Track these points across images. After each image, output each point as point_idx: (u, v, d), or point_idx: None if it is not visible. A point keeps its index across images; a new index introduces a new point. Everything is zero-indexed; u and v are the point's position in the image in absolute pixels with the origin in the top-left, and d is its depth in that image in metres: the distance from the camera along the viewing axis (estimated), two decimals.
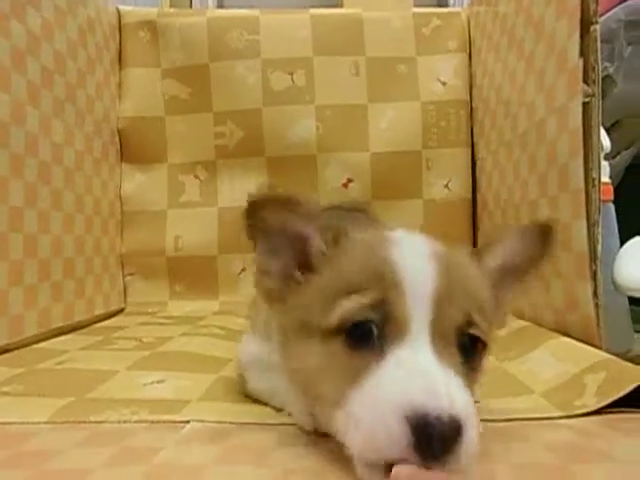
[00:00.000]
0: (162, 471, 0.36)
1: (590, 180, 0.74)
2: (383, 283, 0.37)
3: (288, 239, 0.43)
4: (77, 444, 0.43)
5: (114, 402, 0.56)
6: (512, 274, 0.48)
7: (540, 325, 0.85)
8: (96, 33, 1.13)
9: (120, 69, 1.28)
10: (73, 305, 1.00)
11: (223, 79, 1.27)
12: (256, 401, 0.57)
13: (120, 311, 1.23)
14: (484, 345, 0.41)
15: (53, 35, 0.94)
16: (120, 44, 1.28)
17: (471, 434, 0.33)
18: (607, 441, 0.45)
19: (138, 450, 0.41)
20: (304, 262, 0.43)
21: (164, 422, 0.49)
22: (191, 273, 1.28)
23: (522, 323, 0.88)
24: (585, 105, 0.73)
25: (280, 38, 1.28)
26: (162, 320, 1.13)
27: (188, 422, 0.49)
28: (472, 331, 0.39)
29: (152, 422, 0.50)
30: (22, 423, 0.49)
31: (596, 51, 0.73)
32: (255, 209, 0.41)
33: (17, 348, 0.82)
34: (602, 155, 0.98)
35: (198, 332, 0.98)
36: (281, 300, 0.43)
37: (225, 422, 0.50)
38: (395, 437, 0.32)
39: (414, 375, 0.34)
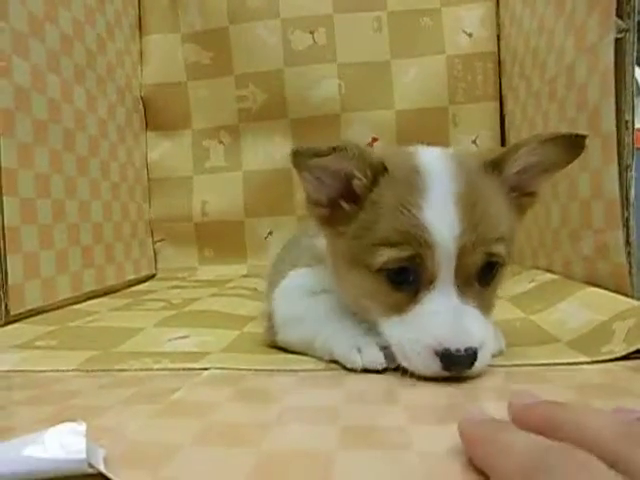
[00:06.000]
0: (175, 407, 0.37)
1: (622, 122, 0.70)
2: (416, 241, 0.44)
3: (332, 175, 0.49)
4: (100, 387, 0.45)
5: (138, 354, 0.57)
6: (536, 172, 0.52)
7: (570, 277, 0.83)
8: None
9: (141, 36, 1.28)
10: (104, 270, 1.03)
11: (243, 41, 1.25)
12: (281, 351, 0.57)
13: (151, 277, 1.26)
14: (502, 264, 0.49)
15: (70, 1, 0.94)
16: (139, 10, 1.28)
17: (484, 353, 0.44)
18: (631, 381, 0.44)
19: (156, 391, 0.42)
20: (350, 194, 0.49)
21: (184, 370, 0.50)
22: (219, 238, 1.30)
23: (551, 276, 0.85)
24: (618, 42, 0.69)
25: None
26: (191, 284, 1.16)
27: (207, 369, 0.50)
28: (491, 260, 0.47)
29: (172, 370, 0.51)
30: (52, 371, 0.52)
31: None
32: (298, 157, 0.47)
33: (52, 310, 0.85)
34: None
35: (225, 293, 0.99)
36: (331, 224, 0.51)
37: (244, 369, 0.50)
38: (429, 365, 0.44)
39: (440, 317, 0.44)
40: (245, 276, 1.22)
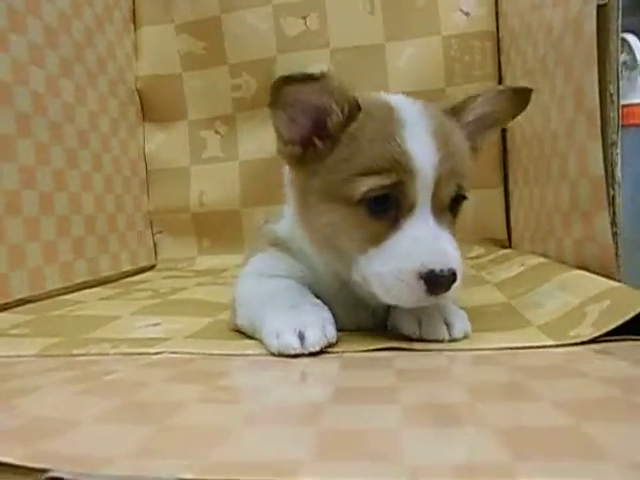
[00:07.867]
0: (102, 387, 0.37)
1: (607, 96, 0.66)
2: (399, 167, 0.47)
3: (307, 110, 0.49)
4: (48, 370, 0.45)
5: (102, 340, 0.57)
6: (486, 124, 0.58)
7: (562, 261, 0.80)
8: None
9: (135, 28, 1.28)
10: (97, 261, 1.04)
11: (235, 30, 1.24)
12: (244, 337, 0.57)
13: (151, 268, 1.27)
14: (464, 199, 0.52)
15: None
16: (133, 3, 1.28)
17: (460, 275, 0.46)
18: (586, 363, 0.42)
19: (96, 373, 0.42)
20: (323, 131, 0.50)
21: (138, 354, 0.50)
22: (216, 228, 1.30)
23: (540, 260, 0.82)
24: (601, 9, 0.65)
25: None
26: (187, 274, 1.16)
27: (160, 353, 0.50)
28: (460, 193, 0.51)
29: (127, 354, 0.51)
30: (11, 356, 0.52)
31: None
32: (280, 86, 0.47)
33: (41, 300, 0.86)
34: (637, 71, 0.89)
35: (214, 282, 0.99)
36: (304, 164, 0.52)
37: (197, 353, 0.50)
38: (414, 290, 0.45)
39: (423, 241, 0.46)
40: (241, 265, 1.21)
